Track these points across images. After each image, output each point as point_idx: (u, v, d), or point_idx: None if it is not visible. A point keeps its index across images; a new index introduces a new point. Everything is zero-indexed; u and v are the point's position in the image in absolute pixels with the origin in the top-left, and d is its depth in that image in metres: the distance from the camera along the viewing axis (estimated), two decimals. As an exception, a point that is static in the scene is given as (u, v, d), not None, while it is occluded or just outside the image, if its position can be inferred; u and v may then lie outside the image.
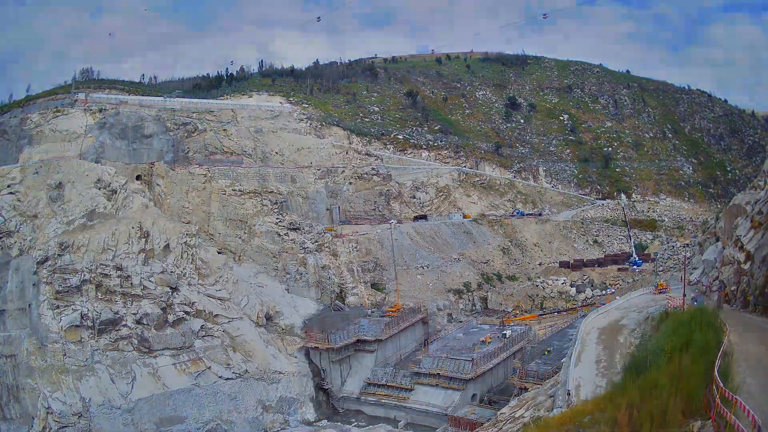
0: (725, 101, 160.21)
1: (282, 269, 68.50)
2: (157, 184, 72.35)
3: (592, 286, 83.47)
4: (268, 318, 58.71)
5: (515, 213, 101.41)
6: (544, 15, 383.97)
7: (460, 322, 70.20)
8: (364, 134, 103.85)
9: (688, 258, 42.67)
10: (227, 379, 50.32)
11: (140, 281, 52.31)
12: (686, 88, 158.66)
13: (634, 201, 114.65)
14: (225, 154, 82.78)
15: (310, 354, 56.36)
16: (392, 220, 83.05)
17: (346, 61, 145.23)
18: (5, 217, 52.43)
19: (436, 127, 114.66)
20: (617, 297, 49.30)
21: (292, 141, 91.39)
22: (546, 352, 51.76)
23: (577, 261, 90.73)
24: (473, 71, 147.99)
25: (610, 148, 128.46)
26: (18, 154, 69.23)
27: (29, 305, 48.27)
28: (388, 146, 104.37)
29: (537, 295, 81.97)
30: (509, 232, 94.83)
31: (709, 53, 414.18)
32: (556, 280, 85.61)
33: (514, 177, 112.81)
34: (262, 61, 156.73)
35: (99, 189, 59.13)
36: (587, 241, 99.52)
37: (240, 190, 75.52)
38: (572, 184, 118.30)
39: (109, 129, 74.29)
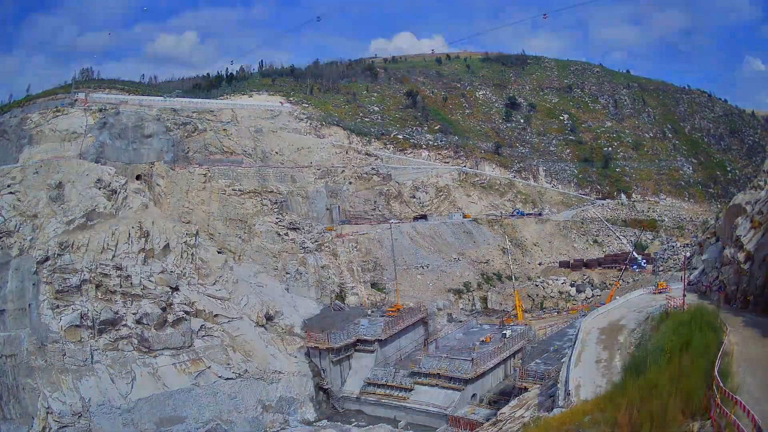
0: (725, 101, 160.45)
1: (282, 269, 68.52)
2: (157, 184, 72.34)
3: (592, 286, 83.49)
4: (268, 318, 58.70)
5: (515, 213, 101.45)
6: (544, 15, 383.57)
7: (460, 322, 70.18)
8: (364, 134, 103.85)
9: (688, 258, 42.66)
10: (227, 379, 50.31)
11: (140, 281, 52.32)
12: (686, 87, 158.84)
13: (634, 201, 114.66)
14: (225, 153, 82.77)
15: (310, 354, 56.34)
16: (392, 220, 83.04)
17: (346, 61, 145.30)
18: (5, 217, 52.41)
19: (436, 127, 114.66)
20: (617, 297, 49.25)
21: (292, 141, 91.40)
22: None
23: (577, 261, 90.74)
24: (473, 71, 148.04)
25: (610, 148, 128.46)
26: (18, 154, 69.17)
27: (29, 305, 48.23)
28: (388, 146, 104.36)
29: (537, 295, 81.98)
30: (509, 231, 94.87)
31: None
32: (556, 279, 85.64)
33: (514, 177, 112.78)
34: (262, 61, 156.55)
35: (99, 189, 59.15)
36: (587, 241, 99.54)
37: (240, 190, 75.55)
38: (572, 184, 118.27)
39: (109, 129, 74.26)
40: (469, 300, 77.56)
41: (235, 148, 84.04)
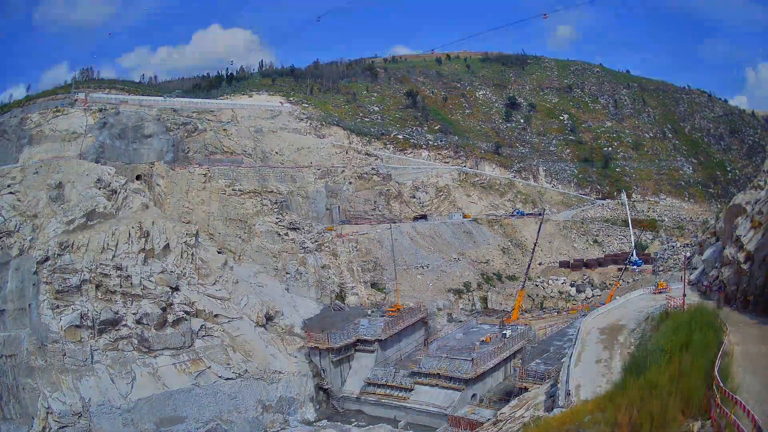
0: (725, 101, 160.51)
1: (282, 269, 68.52)
2: (157, 184, 72.36)
3: (592, 285, 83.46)
4: (268, 318, 58.70)
5: (515, 213, 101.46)
6: (544, 15, 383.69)
7: (460, 322, 70.15)
8: (364, 134, 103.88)
9: (688, 258, 42.66)
10: (227, 379, 50.29)
11: (140, 281, 52.31)
12: (686, 87, 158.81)
13: (634, 201, 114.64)
14: (225, 153, 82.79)
15: (310, 354, 56.32)
16: (394, 222, 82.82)
17: (346, 61, 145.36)
18: (5, 217, 52.39)
19: (436, 127, 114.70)
20: (617, 297, 49.24)
21: (292, 141, 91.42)
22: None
23: (577, 261, 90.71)
24: (473, 71, 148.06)
25: (610, 148, 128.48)
26: (18, 154, 69.21)
27: (29, 305, 48.21)
28: (388, 146, 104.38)
29: (537, 295, 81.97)
30: (509, 231, 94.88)
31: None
32: (556, 279, 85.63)
33: (514, 177, 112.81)
34: (262, 61, 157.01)
35: (99, 189, 59.14)
36: (587, 240, 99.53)
37: (240, 190, 75.55)
38: (572, 184, 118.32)
39: (109, 129, 74.28)
40: (469, 300, 77.56)
41: (235, 148, 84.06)
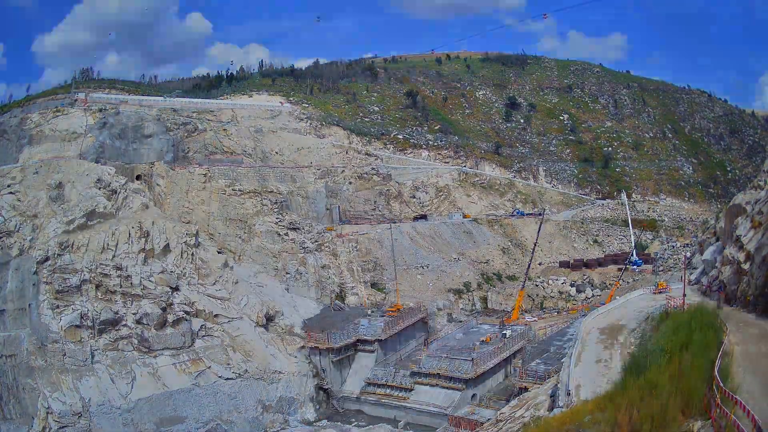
0: (725, 101, 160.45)
1: (282, 269, 68.52)
2: (157, 184, 72.36)
3: (592, 286, 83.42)
4: (268, 318, 58.70)
5: (515, 213, 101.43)
6: (544, 15, 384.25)
7: (460, 322, 70.15)
8: (364, 134, 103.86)
9: (688, 258, 42.67)
10: (227, 379, 50.29)
11: (140, 281, 52.32)
12: (686, 87, 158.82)
13: (634, 201, 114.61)
14: (225, 153, 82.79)
15: (310, 354, 56.33)
16: (394, 222, 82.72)
17: (346, 61, 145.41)
18: (5, 217, 52.41)
19: (436, 127, 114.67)
20: (617, 297, 49.25)
21: (292, 141, 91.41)
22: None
23: (577, 261, 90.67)
24: (473, 71, 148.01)
25: (610, 148, 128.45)
26: (18, 154, 69.21)
27: (29, 305, 48.23)
28: (388, 146, 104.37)
29: (537, 295, 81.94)
30: (509, 232, 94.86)
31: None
32: (556, 279, 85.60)
33: (514, 177, 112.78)
34: (262, 61, 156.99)
35: (99, 189, 59.15)
36: (587, 240, 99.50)
37: (240, 190, 75.54)
38: (572, 184, 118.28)
39: (109, 129, 74.27)
40: (469, 300, 77.54)
41: (235, 148, 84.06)
